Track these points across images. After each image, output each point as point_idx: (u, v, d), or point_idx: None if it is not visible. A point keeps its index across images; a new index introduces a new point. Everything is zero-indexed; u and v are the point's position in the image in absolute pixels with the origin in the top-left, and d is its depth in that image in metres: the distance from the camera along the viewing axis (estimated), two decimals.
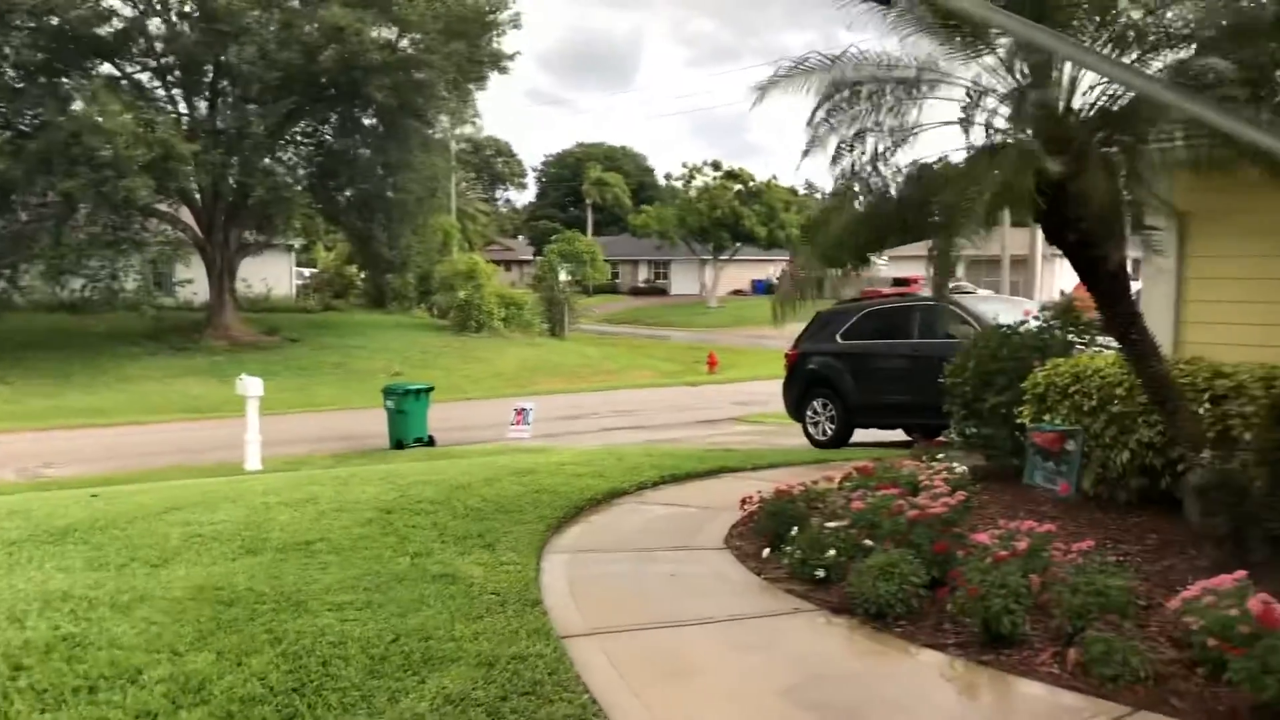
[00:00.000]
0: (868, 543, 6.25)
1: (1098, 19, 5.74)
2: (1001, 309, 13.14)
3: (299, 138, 36.71)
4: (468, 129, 42.01)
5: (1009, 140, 6.06)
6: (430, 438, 18.04)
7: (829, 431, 14.67)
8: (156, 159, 28.71)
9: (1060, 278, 36.56)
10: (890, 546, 6.00)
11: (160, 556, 6.61)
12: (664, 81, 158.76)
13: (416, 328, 41.63)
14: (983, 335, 10.03)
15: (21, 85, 30.44)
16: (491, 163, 77.76)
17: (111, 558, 6.59)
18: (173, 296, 36.67)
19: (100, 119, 27.89)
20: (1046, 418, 8.25)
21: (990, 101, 5.96)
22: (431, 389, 18.66)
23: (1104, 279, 6.10)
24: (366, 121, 35.69)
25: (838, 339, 14.70)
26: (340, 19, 30.22)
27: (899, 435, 14.58)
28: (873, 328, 14.39)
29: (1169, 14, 5.51)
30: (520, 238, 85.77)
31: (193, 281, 36.28)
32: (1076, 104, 5.81)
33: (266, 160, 34.18)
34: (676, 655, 5.14)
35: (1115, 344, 6.95)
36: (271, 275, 43.82)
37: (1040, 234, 6.28)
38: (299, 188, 35.40)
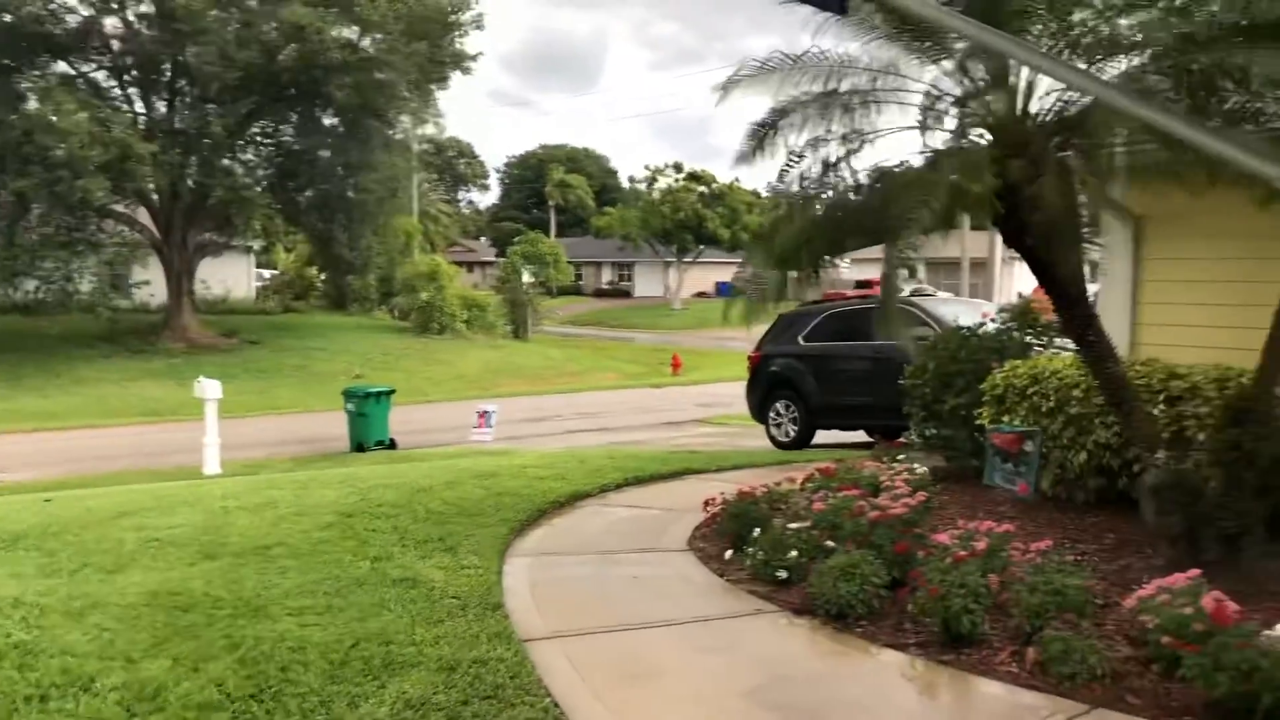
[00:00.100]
0: (829, 544, 6.28)
1: (1054, 25, 5.80)
2: (961, 311, 13.25)
3: (259, 138, 36.34)
4: (430, 129, 41.75)
5: (966, 144, 6.12)
6: (391, 441, 17.92)
7: (791, 433, 14.72)
8: (114, 159, 28.31)
9: (1019, 280, 36.96)
10: (852, 547, 6.03)
11: (115, 562, 6.51)
12: (627, 84, 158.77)
13: (378, 330, 41.36)
14: (942, 337, 10.11)
15: None
16: (454, 164, 77.46)
17: (64, 564, 6.49)
18: (129, 298, 36.17)
19: (54, 118, 27.47)
20: (1005, 419, 8.33)
21: (948, 105, 6.00)
22: (393, 391, 18.53)
23: (1061, 282, 6.16)
24: (327, 121, 35.39)
25: (800, 341, 14.76)
26: (301, 17, 29.95)
27: (861, 436, 14.67)
28: (835, 330, 14.47)
29: (1122, 22, 5.58)
30: (483, 239, 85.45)
31: (150, 283, 35.81)
32: (1034, 108, 5.88)
33: (226, 160, 33.80)
34: (639, 658, 5.14)
35: (1073, 346, 7.03)
36: (230, 277, 43.35)
37: (999, 237, 6.34)
38: (259, 188, 35.05)
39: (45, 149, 27.27)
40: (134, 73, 33.19)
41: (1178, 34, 5.38)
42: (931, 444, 9.73)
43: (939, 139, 6.17)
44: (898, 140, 6.30)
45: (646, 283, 73.44)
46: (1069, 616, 4.96)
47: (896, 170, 6.02)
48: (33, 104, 28.84)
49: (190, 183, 32.75)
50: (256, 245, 46.46)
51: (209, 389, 15.35)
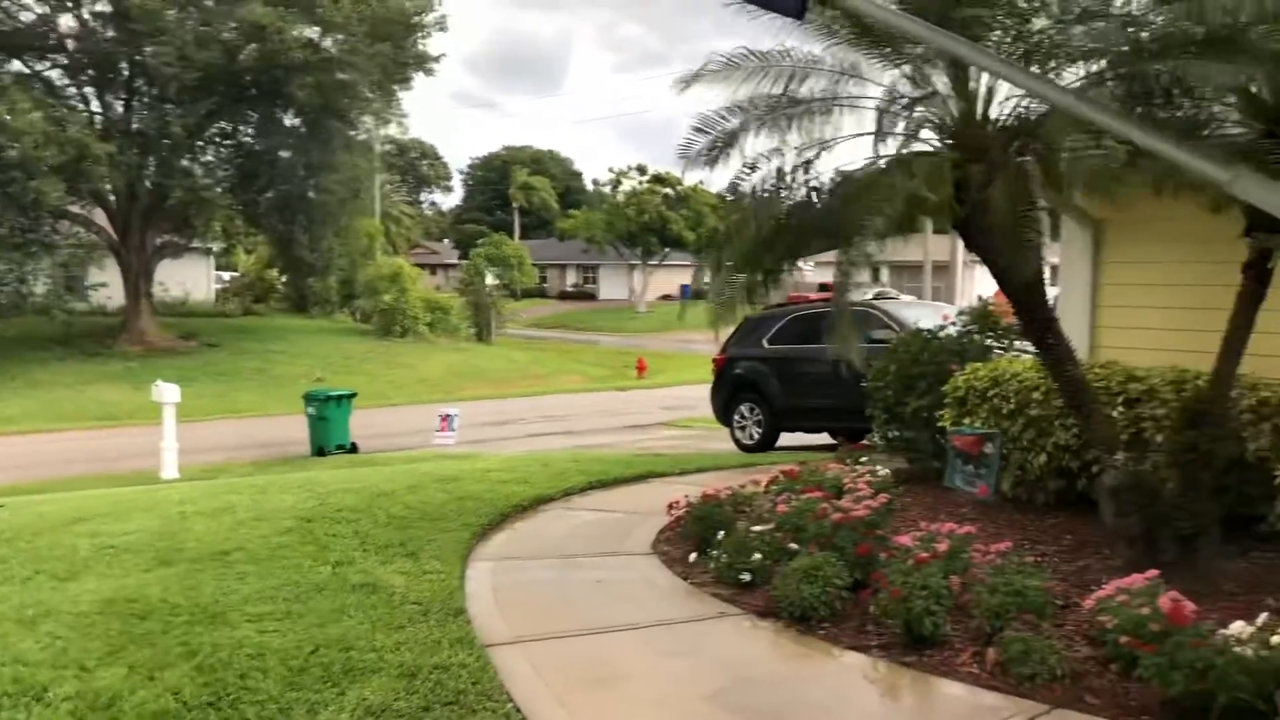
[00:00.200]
0: (793, 546, 6.29)
1: (1014, 31, 5.85)
2: (924, 314, 13.34)
3: (219, 138, 35.94)
4: (393, 129, 41.50)
5: (927, 148, 6.15)
6: (353, 445, 17.79)
7: (756, 435, 14.76)
8: (69, 160, 27.88)
9: (981, 283, 37.33)
10: (815, 549, 6.04)
11: (68, 569, 6.40)
12: (592, 86, 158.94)
13: (339, 332, 41.04)
14: (904, 340, 10.18)
15: None
16: (417, 165, 77.02)
17: (16, 571, 6.37)
18: (85, 301, 35.63)
19: (8, 117, 27.01)
20: (966, 421, 8.39)
21: (909, 110, 6.03)
22: (354, 395, 18.40)
23: (1021, 286, 6.21)
24: (288, 122, 35.07)
25: (764, 344, 14.81)
26: (261, 17, 29.66)
27: (825, 439, 14.73)
28: (798, 332, 14.52)
29: (1078, 29, 5.63)
30: (446, 241, 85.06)
31: (107, 285, 35.28)
32: (994, 114, 5.92)
33: (185, 161, 33.40)
34: (602, 662, 5.11)
35: (1032, 349, 7.09)
36: (190, 279, 42.82)
37: (961, 240, 6.38)
38: (219, 189, 34.66)
39: None
40: (90, 72, 32.71)
41: (1132, 43, 5.45)
42: (894, 446, 9.79)
43: (899, 143, 6.20)
44: (861, 144, 6.31)
45: (611, 285, 73.41)
46: (1029, 617, 5.00)
47: (857, 174, 6.04)
48: None
49: (148, 184, 32.31)
50: (216, 247, 46.00)
51: (167, 393, 15.17)
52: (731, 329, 14.76)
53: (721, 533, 6.81)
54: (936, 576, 5.27)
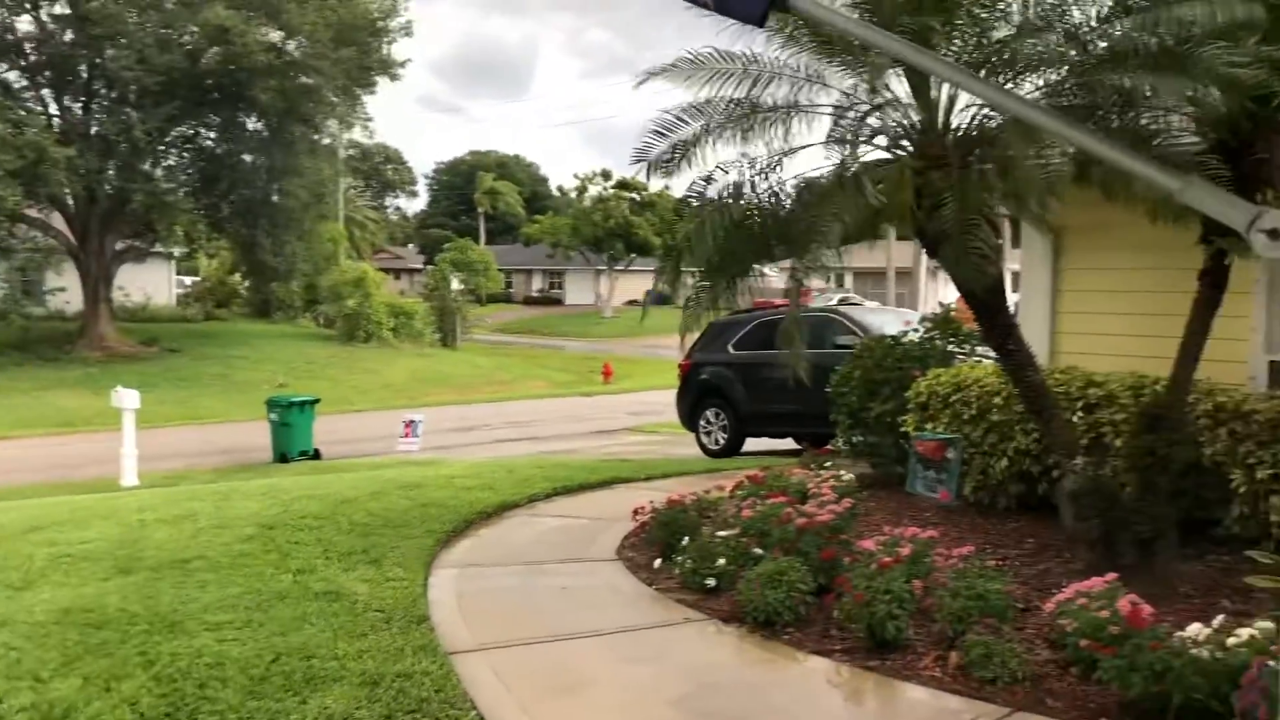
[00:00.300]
0: (757, 551, 6.30)
1: (974, 40, 5.91)
2: (888, 320, 13.44)
3: (180, 142, 35.55)
4: (357, 133, 41.23)
5: (887, 156, 6.20)
6: (316, 451, 17.64)
7: (721, 441, 14.80)
8: (27, 164, 27.46)
9: (943, 289, 37.68)
10: (779, 554, 6.06)
11: (24, 578, 6.31)
12: (559, 91, 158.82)
13: (302, 338, 40.71)
14: (868, 345, 10.24)
15: None
16: (381, 170, 76.53)
17: None
18: (43, 305, 35.10)
19: None
20: (929, 426, 8.45)
21: (871, 118, 6.07)
22: (317, 401, 18.25)
23: (982, 292, 6.27)
24: (251, 126, 34.76)
25: (730, 349, 14.85)
26: (225, 19, 29.39)
27: (790, 444, 14.79)
28: (764, 338, 14.54)
29: (1029, 40, 5.70)
30: (411, 246, 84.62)
31: (65, 290, 34.79)
32: (954, 122, 5.98)
33: (147, 165, 33.00)
34: (566, 669, 5.10)
35: (994, 354, 7.15)
36: (151, 284, 42.33)
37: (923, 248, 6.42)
38: (181, 193, 34.27)
39: None
40: (48, 74, 32.26)
41: (1084, 55, 5.52)
42: (858, 451, 9.85)
43: (862, 151, 6.24)
44: (824, 150, 6.33)
45: (578, 290, 73.34)
46: (990, 621, 5.03)
47: (818, 181, 6.07)
48: None
49: (108, 188, 31.90)
50: (178, 252, 45.49)
51: (126, 398, 14.97)
52: (697, 334, 14.80)
53: (686, 538, 6.82)
54: (899, 581, 5.30)
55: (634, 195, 62.99)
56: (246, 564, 6.59)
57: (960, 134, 5.93)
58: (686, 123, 6.47)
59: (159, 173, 34.14)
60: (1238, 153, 5.69)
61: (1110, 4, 5.60)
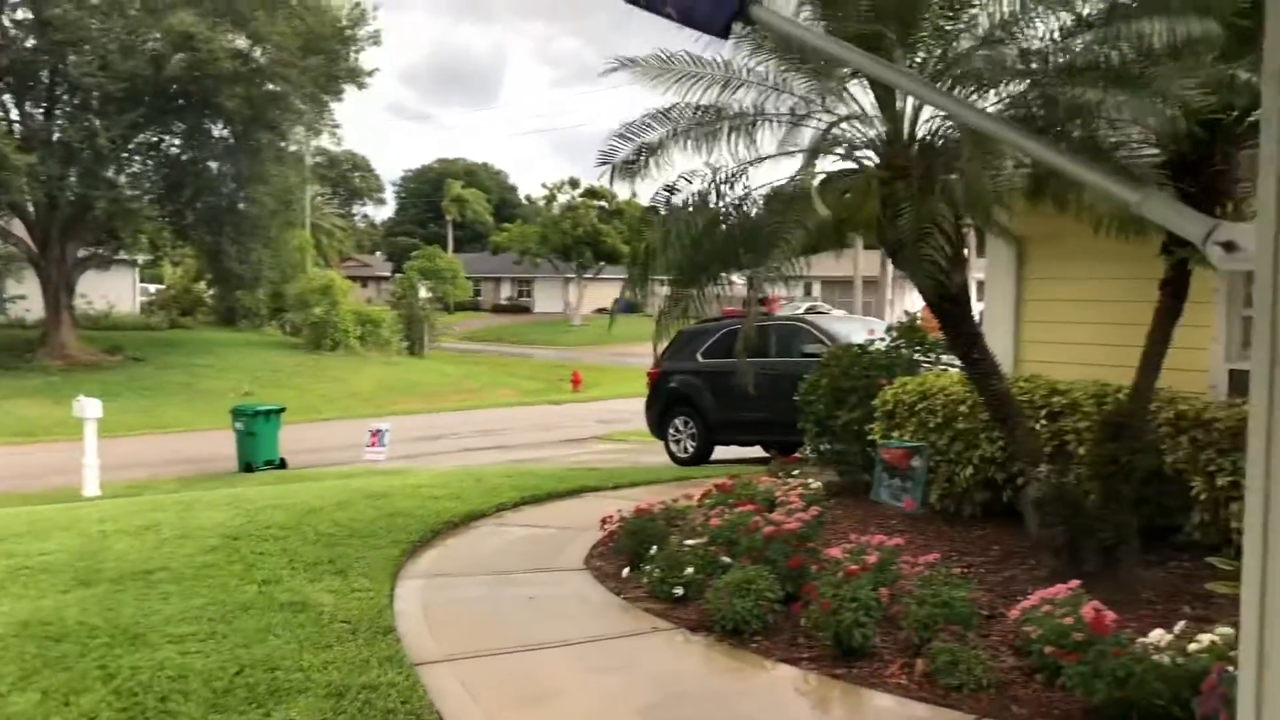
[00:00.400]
0: (725, 559, 6.31)
1: (938, 53, 5.96)
2: (855, 329, 13.52)
3: (145, 148, 35.17)
4: (325, 140, 40.95)
5: (855, 166, 6.24)
6: (281, 460, 17.47)
7: (690, 449, 14.80)
8: None
9: (910, 298, 37.93)
10: (747, 563, 6.07)
11: None
12: (528, 100, 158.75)
13: (268, 346, 40.36)
14: (835, 354, 10.29)
15: None
16: (348, 177, 76.06)
17: None
18: (3, 313, 34.58)
19: None
20: (896, 434, 8.50)
21: (836, 127, 6.10)
22: (283, 410, 18.09)
23: (947, 301, 6.32)
24: (217, 133, 34.45)
25: (698, 357, 14.86)
26: (190, 26, 29.13)
27: (759, 452, 14.82)
28: (732, 346, 14.57)
29: (981, 54, 5.76)
30: (378, 254, 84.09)
31: (26, 298, 34.27)
32: (920, 132, 6.02)
33: (110, 172, 32.62)
34: (534, 679, 5.08)
35: (959, 363, 7.21)
36: (114, 291, 41.83)
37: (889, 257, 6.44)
38: (146, 199, 33.90)
39: None
40: (9, 80, 31.83)
41: (1041, 70, 5.59)
42: (825, 459, 9.89)
43: (829, 160, 6.28)
44: (791, 159, 6.35)
45: (546, 298, 73.20)
46: (956, 628, 5.07)
47: (784, 190, 6.09)
48: None
49: (70, 195, 31.49)
50: (142, 259, 44.97)
51: (88, 408, 14.78)
52: (666, 342, 14.81)
53: (655, 547, 6.82)
54: (866, 589, 5.33)
55: (602, 203, 62.98)
56: (210, 575, 6.52)
57: (924, 144, 5.98)
58: (653, 128, 6.47)
59: (123, 179, 33.75)
60: (1197, 165, 5.78)
61: (1071, 19, 5.68)
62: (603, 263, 63.50)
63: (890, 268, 34.83)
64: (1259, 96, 1.41)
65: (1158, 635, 4.49)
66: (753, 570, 5.86)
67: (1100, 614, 4.66)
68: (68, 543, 7.44)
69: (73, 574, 6.55)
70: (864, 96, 5.98)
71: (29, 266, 33.50)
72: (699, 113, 6.33)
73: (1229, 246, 1.36)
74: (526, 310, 73.79)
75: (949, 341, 7.08)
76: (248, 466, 17.10)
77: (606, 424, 23.33)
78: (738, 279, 6.94)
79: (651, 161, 6.48)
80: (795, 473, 9.17)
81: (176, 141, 35.08)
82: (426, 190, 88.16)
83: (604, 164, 6.61)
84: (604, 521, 7.82)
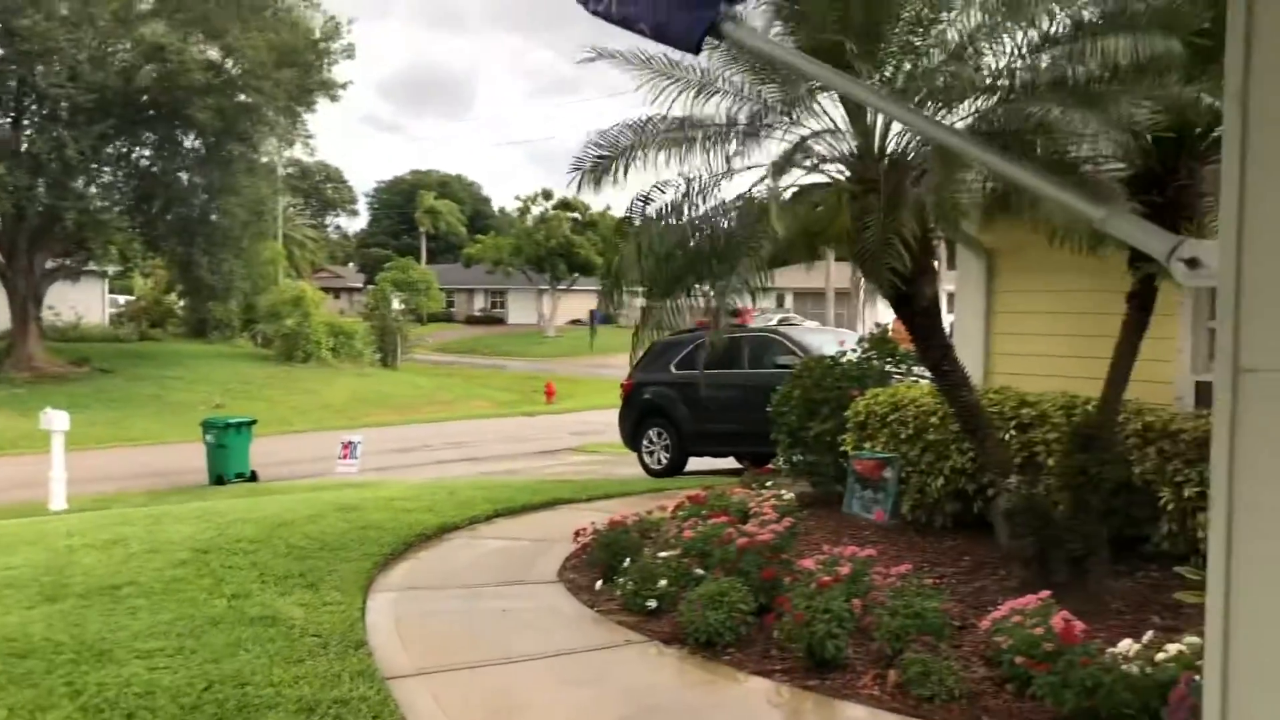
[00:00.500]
0: (699, 571, 6.31)
1: (907, 69, 6.02)
2: (826, 340, 13.59)
3: (115, 159, 34.86)
4: (298, 150, 40.72)
5: (827, 180, 6.28)
6: (252, 473, 17.34)
7: (664, 460, 14.80)
8: None
9: (882, 310, 38.09)
10: (720, 575, 6.07)
11: None
12: (502, 112, 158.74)
13: (239, 358, 40.05)
14: (807, 365, 10.34)
15: None
16: (321, 188, 75.73)
17: None
18: None
19: None
20: (868, 445, 8.54)
21: (810, 142, 6.14)
22: (254, 422, 17.96)
23: (917, 313, 6.36)
24: (188, 144, 34.21)
25: (672, 369, 14.87)
26: (161, 37, 28.94)
27: (732, 463, 14.84)
28: (705, 358, 14.62)
29: (957, 69, 5.83)
30: (351, 265, 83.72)
31: None
32: (890, 146, 6.07)
33: (79, 183, 32.30)
34: (507, 693, 5.06)
35: (930, 375, 7.26)
36: (82, 303, 41.37)
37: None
38: (116, 210, 33.59)
39: None
40: None
41: (1003, 86, 5.67)
42: (798, 470, 9.92)
43: (799, 173, 6.32)
44: (764, 173, 6.38)
45: (520, 310, 73.09)
46: (928, 639, 5.09)
47: (757, 202, 6.13)
48: None
49: (39, 206, 31.16)
50: (112, 270, 44.58)
51: (55, 420, 14.61)
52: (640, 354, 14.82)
53: (628, 560, 6.81)
54: (839, 600, 5.35)
55: (575, 215, 63.04)
56: (179, 589, 6.46)
57: (894, 158, 6.03)
58: (627, 137, 6.49)
59: (93, 190, 33.45)
60: (1163, 179, 5.86)
61: (1037, 36, 5.75)
62: (576, 274, 63.51)
63: (862, 280, 34.91)
64: (1220, 114, 1.44)
65: (1126, 645, 4.53)
66: (726, 582, 5.86)
67: (1070, 624, 4.70)
68: (34, 558, 7.34)
69: (38, 589, 6.47)
70: (835, 110, 6.03)
71: None
72: (672, 123, 6.36)
73: (1192, 263, 1.39)
74: (500, 322, 73.64)
75: (920, 353, 7.12)
76: (218, 479, 16.95)
77: (580, 435, 23.30)
78: (710, 290, 6.95)
79: (624, 170, 6.49)
80: (768, 484, 9.19)
81: (147, 152, 34.79)
82: (399, 202, 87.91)
83: (577, 169, 6.62)
84: (577, 534, 7.80)
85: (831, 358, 10.28)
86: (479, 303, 76.94)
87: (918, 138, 5.86)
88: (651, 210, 6.51)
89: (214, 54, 31.29)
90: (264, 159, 37.59)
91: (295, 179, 59.86)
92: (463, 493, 10.64)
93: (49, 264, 34.24)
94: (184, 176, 34.42)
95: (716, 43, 6.04)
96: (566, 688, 5.14)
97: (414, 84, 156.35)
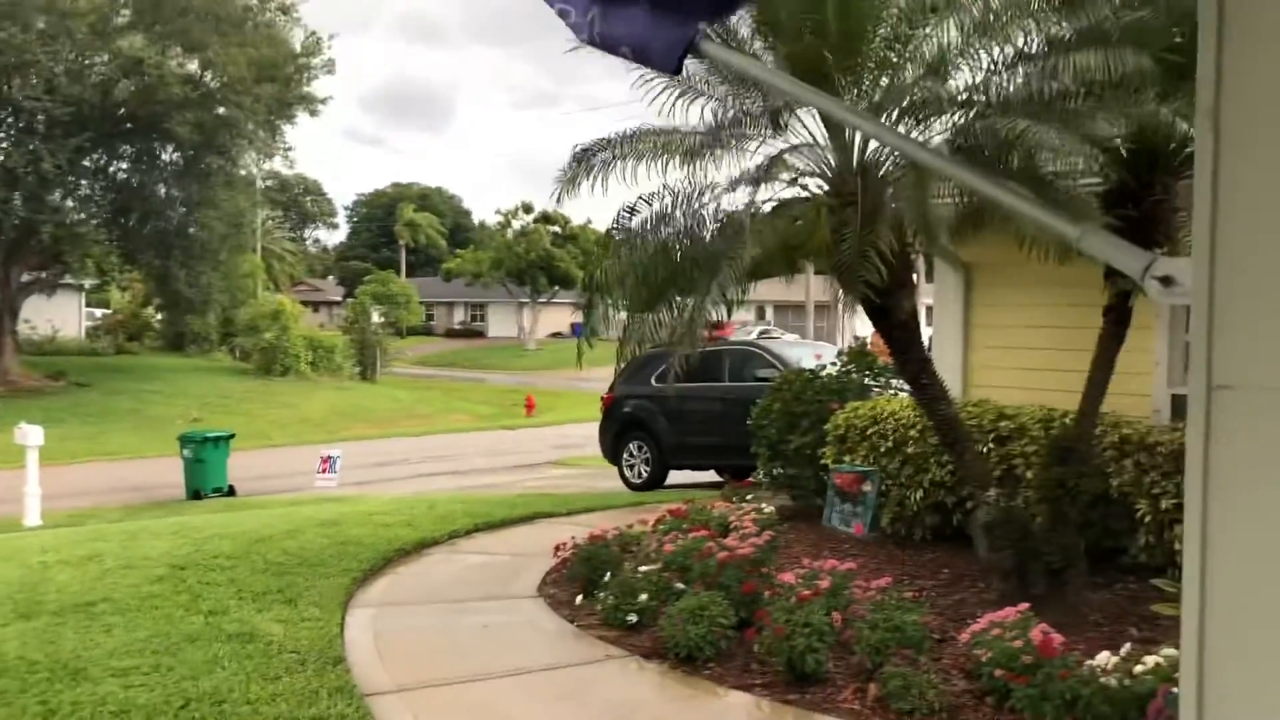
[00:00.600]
0: (679, 586, 6.30)
1: (884, 85, 6.06)
2: (806, 353, 13.62)
3: (92, 173, 34.64)
4: (277, 163, 40.59)
5: (806, 194, 6.31)
6: (230, 487, 17.21)
7: (645, 474, 14.79)
8: None
9: (863, 323, 38.20)
10: (701, 589, 6.07)
11: None
12: (483, 124, 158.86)
13: (217, 371, 39.81)
14: (787, 378, 10.36)
15: None
16: (300, 201, 75.47)
17: None
18: None
19: None
20: (847, 458, 8.56)
21: (790, 155, 6.17)
22: (232, 436, 17.84)
23: (895, 326, 6.39)
24: (166, 157, 34.04)
25: (653, 382, 14.86)
26: (140, 51, 28.81)
27: (713, 476, 14.85)
28: (686, 371, 14.61)
29: (932, 85, 5.87)
30: (330, 278, 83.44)
31: None
32: (869, 160, 6.10)
33: (56, 196, 32.07)
34: (486, 709, 5.04)
35: (908, 388, 7.28)
36: (59, 316, 41.04)
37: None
38: (94, 223, 33.36)
39: None
40: None
41: (992, 100, 5.71)
42: (778, 483, 9.92)
43: (779, 187, 6.34)
44: (743, 186, 6.40)
45: (500, 323, 72.96)
46: (908, 652, 5.10)
47: (737, 215, 6.15)
48: None
49: (15, 219, 30.91)
50: (89, 284, 44.27)
51: (30, 435, 14.47)
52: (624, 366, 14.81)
53: (608, 574, 6.80)
54: (819, 614, 5.35)
55: (556, 228, 63.06)
56: (155, 606, 6.40)
57: (872, 173, 6.06)
58: (608, 149, 6.51)
59: (70, 204, 33.21)
60: (1138, 194, 5.92)
61: (1011, 52, 5.80)
62: (557, 287, 63.49)
63: (841, 293, 35.00)
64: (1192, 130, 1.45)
65: (1104, 658, 4.55)
66: (706, 596, 5.86)
67: (1048, 637, 4.72)
68: (7, 574, 7.26)
69: (12, 607, 6.40)
70: (815, 125, 6.06)
71: None
72: (657, 132, 6.39)
73: (1166, 281, 1.40)
74: (480, 335, 73.50)
75: (898, 366, 7.15)
76: (196, 494, 16.81)
77: (561, 449, 23.25)
78: (690, 303, 6.96)
79: (604, 181, 6.51)
80: (749, 497, 9.19)
81: (124, 165, 34.63)
82: (379, 215, 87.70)
83: (564, 180, 6.64)
84: (557, 548, 7.79)
85: (811, 371, 10.30)
86: (459, 316, 76.79)
87: (896, 152, 5.90)
88: (635, 223, 6.53)
89: (193, 67, 31.18)
90: (243, 172, 37.45)
91: (274, 192, 59.59)
92: (442, 507, 10.59)
93: (25, 277, 33.97)
94: (162, 189, 34.27)
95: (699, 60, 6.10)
96: (547, 703, 5.12)
97: (395, 97, 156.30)
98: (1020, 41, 5.86)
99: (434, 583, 7.63)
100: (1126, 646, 4.67)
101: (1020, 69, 5.70)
